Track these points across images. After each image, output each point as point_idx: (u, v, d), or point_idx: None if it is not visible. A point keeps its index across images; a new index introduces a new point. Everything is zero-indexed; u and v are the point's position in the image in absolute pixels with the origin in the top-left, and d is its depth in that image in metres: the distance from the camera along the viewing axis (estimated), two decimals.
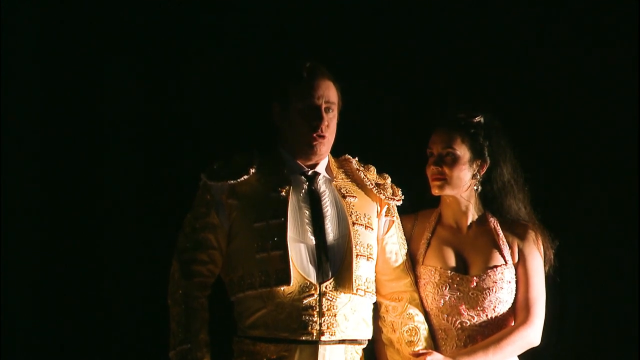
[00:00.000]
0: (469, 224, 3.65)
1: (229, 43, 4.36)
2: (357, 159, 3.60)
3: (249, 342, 3.35)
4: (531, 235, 3.65)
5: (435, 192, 3.62)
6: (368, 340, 3.48)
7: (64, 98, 4.31)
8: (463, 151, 3.58)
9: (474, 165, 3.60)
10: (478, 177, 3.62)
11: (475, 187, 3.63)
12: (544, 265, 3.64)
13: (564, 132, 4.38)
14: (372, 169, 3.61)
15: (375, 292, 3.51)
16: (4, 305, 4.21)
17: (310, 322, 3.28)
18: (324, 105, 3.39)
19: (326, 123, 3.39)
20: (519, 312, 3.59)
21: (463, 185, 3.60)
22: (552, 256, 3.66)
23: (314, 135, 3.38)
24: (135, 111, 4.34)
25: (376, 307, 3.55)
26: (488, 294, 3.55)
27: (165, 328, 3.36)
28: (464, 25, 4.39)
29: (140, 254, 4.28)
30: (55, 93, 4.30)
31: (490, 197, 3.64)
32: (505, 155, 3.62)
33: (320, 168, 3.48)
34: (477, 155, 3.59)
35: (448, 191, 3.60)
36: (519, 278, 3.61)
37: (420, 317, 3.53)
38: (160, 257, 3.67)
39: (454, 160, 3.58)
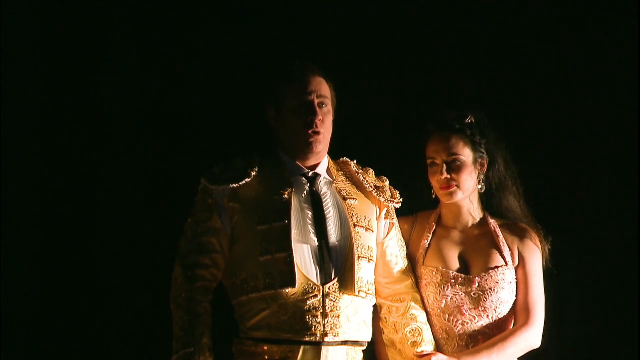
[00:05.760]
0: (470, 225, 3.67)
1: (228, 45, 4.38)
2: (355, 161, 3.61)
3: (250, 344, 3.35)
4: (530, 237, 3.66)
5: (447, 200, 3.62)
6: (368, 342, 3.48)
7: (64, 99, 4.32)
8: (467, 154, 3.59)
9: (477, 165, 3.62)
10: (482, 176, 3.64)
11: (479, 187, 3.65)
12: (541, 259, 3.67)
13: (563, 126, 4.40)
14: (371, 171, 3.62)
15: (377, 295, 3.52)
16: (4, 307, 4.21)
17: (314, 323, 3.28)
18: (316, 101, 3.40)
19: (320, 118, 3.39)
20: (519, 314, 3.60)
21: (472, 187, 3.62)
22: (547, 250, 3.67)
23: (310, 132, 3.39)
24: (133, 115, 4.34)
25: (376, 308, 3.56)
26: (490, 294, 3.56)
27: (168, 332, 3.35)
28: (458, 25, 4.42)
29: (142, 259, 4.27)
30: (55, 95, 4.31)
31: (489, 194, 3.66)
32: (499, 149, 3.65)
33: (321, 170, 3.49)
34: (478, 155, 3.61)
35: (460, 197, 3.61)
36: (519, 280, 3.62)
37: (423, 318, 3.54)
38: (162, 261, 3.67)
39: (461, 166, 3.58)
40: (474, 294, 3.56)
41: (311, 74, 3.44)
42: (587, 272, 4.32)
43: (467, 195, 3.62)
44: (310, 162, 3.47)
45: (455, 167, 3.58)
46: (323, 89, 3.44)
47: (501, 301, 3.58)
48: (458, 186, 3.58)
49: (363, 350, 3.46)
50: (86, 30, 4.32)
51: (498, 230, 3.66)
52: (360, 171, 3.59)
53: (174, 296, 3.34)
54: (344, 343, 3.35)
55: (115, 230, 4.31)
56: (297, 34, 4.35)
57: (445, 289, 3.57)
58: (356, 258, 3.37)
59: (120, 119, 4.34)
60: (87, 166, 4.31)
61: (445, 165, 3.58)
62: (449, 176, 3.57)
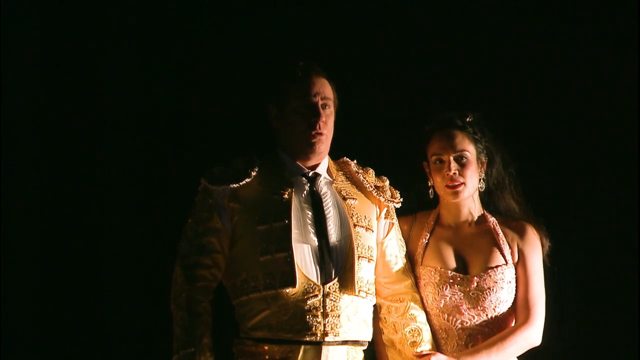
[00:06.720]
0: (469, 224, 3.67)
1: (227, 46, 4.39)
2: (355, 161, 3.62)
3: (250, 344, 3.35)
4: (530, 233, 3.65)
5: (453, 198, 3.60)
6: (368, 342, 3.48)
7: (64, 100, 4.33)
8: (472, 150, 3.60)
9: (479, 163, 3.62)
10: (482, 174, 3.64)
11: (480, 186, 3.65)
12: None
13: (563, 126, 4.41)
14: (371, 171, 3.62)
15: (376, 295, 3.51)
16: (4, 307, 4.21)
17: (315, 323, 3.29)
18: (320, 102, 3.41)
19: (323, 119, 3.40)
20: (519, 312, 3.59)
21: (476, 185, 3.62)
22: (547, 245, 3.67)
23: (313, 132, 3.39)
24: (134, 115, 4.35)
25: (376, 308, 3.56)
26: (489, 293, 3.56)
27: (168, 332, 3.35)
28: (458, 25, 4.43)
29: (142, 259, 4.28)
30: (56, 95, 4.32)
31: (487, 193, 3.66)
32: (497, 148, 3.66)
33: (321, 169, 3.49)
34: (480, 152, 3.62)
35: (466, 194, 3.60)
36: (519, 278, 3.61)
37: (422, 318, 3.54)
38: (162, 261, 3.68)
39: (467, 162, 3.58)
40: (472, 294, 3.56)
41: (315, 75, 3.45)
42: (587, 270, 4.32)
43: (471, 193, 3.62)
44: (311, 162, 3.47)
45: (461, 163, 3.58)
46: (326, 90, 3.45)
47: (500, 300, 3.57)
48: (464, 183, 3.58)
49: (363, 350, 3.46)
50: (86, 30, 4.33)
51: (498, 228, 3.65)
52: (360, 171, 3.59)
53: (174, 296, 3.34)
54: (344, 343, 3.35)
55: (115, 230, 4.31)
56: (298, 34, 4.36)
57: (444, 288, 3.57)
58: (356, 258, 3.38)
59: (120, 119, 4.35)
60: (87, 166, 4.32)
61: (452, 161, 3.58)
62: (457, 172, 3.57)
